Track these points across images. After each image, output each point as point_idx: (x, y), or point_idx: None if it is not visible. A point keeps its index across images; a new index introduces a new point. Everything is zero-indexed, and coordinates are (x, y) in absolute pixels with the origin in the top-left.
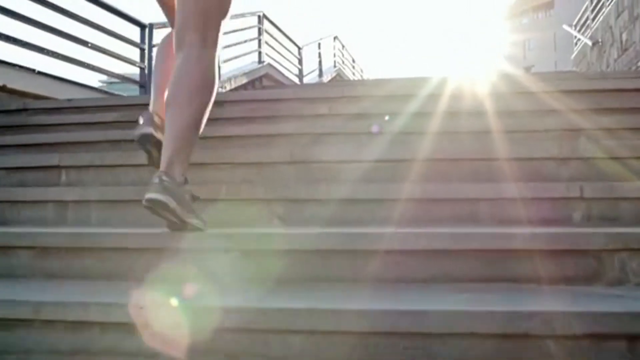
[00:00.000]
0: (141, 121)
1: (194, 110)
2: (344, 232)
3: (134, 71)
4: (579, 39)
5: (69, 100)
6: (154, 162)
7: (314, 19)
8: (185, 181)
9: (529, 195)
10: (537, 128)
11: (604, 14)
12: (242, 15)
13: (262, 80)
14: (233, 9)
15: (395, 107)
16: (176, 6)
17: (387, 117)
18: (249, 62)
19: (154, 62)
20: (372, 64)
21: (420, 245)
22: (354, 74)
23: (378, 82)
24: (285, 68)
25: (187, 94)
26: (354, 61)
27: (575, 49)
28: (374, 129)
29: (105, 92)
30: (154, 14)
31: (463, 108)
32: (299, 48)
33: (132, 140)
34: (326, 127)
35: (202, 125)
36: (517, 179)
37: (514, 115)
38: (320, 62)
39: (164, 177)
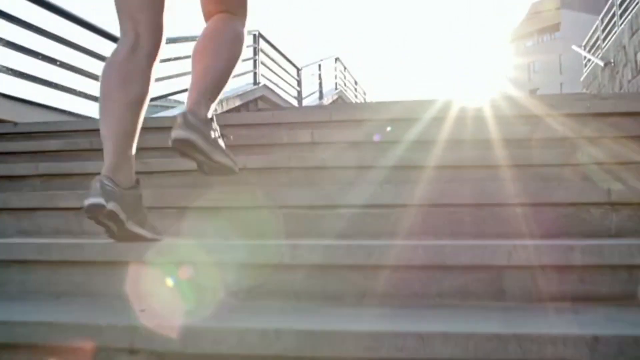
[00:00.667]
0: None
1: (224, 59)
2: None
3: None
4: (588, 60)
5: (15, 124)
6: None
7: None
8: (213, 119)
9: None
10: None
11: (616, 34)
12: None
13: (258, 103)
14: None
15: (393, 137)
16: None
17: (378, 136)
18: (243, 83)
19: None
20: (375, 87)
21: None
22: (356, 96)
23: (378, 105)
24: (283, 90)
25: (218, 45)
26: (356, 83)
27: (584, 70)
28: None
29: (84, 116)
30: None
31: (469, 138)
32: (298, 69)
33: (69, 175)
34: (306, 159)
35: (228, 80)
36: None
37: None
38: (320, 84)
39: (190, 117)
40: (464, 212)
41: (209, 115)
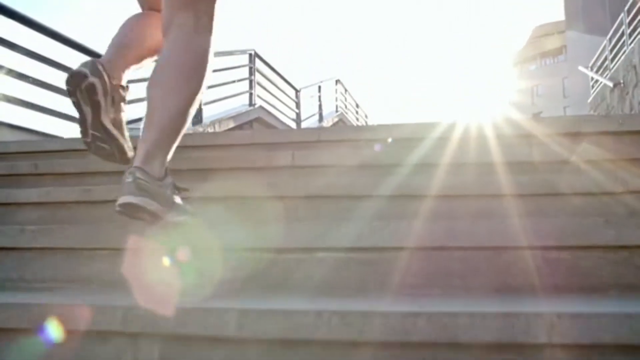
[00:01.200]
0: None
1: (183, 98)
2: None
3: None
4: (596, 82)
5: None
6: (85, 129)
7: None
8: (166, 173)
9: None
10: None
11: (626, 53)
12: (231, 53)
13: (253, 125)
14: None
15: (390, 160)
16: None
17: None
18: (238, 104)
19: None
20: (377, 110)
21: None
22: (357, 119)
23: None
24: (281, 112)
25: (175, 79)
26: (357, 106)
27: (592, 92)
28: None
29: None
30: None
31: (477, 161)
32: (297, 91)
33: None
34: (280, 188)
35: (189, 118)
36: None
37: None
38: (320, 106)
39: (139, 175)
40: (479, 257)
41: (163, 170)
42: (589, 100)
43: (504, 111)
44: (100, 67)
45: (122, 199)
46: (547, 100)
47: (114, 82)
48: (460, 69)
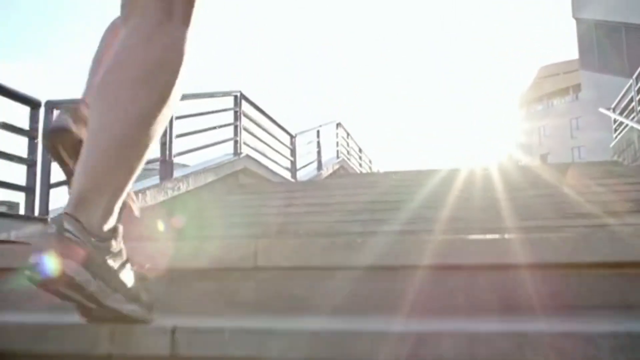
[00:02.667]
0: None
1: (139, 110)
2: None
3: None
4: (620, 124)
5: None
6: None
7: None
8: (115, 231)
9: None
10: None
11: None
12: (212, 94)
13: (239, 177)
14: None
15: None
16: None
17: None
18: (220, 154)
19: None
20: (382, 154)
21: None
22: (360, 165)
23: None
24: (273, 160)
25: (129, 83)
26: (360, 151)
27: (615, 135)
28: None
29: None
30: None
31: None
32: (292, 136)
33: None
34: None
35: (151, 143)
36: None
37: None
38: (319, 152)
39: (69, 226)
40: None
41: (109, 224)
42: (611, 145)
43: (510, 153)
44: (81, 112)
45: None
46: (554, 142)
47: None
48: (465, 111)
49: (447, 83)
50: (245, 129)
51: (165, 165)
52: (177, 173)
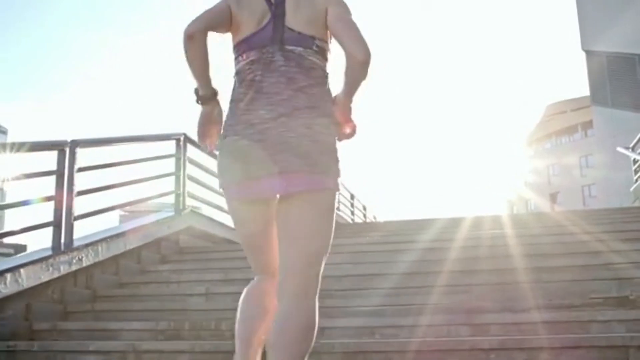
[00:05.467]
0: None
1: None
2: None
3: None
4: None
5: None
6: None
7: None
8: None
9: None
10: None
11: None
12: (141, 138)
13: (180, 240)
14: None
15: None
16: (280, 253)
17: None
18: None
19: (237, 313)
20: (383, 200)
21: None
22: (353, 213)
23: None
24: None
25: (289, 344)
26: (352, 198)
27: (635, 177)
28: None
29: None
30: None
31: None
32: None
33: None
34: None
35: None
36: None
37: None
38: None
39: None
40: None
41: None
42: (631, 189)
43: (519, 192)
44: None
45: None
46: (564, 180)
47: None
48: (471, 151)
49: (452, 123)
50: (190, 178)
51: (59, 231)
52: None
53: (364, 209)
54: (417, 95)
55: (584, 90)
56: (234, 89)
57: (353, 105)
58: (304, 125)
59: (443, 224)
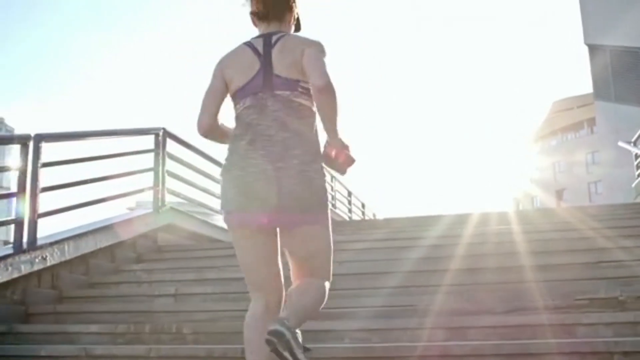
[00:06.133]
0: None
1: (311, 300)
2: None
3: None
4: None
5: None
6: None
7: None
8: (299, 334)
9: None
10: None
11: None
12: (115, 132)
13: (158, 238)
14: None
15: None
16: (293, 268)
17: None
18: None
19: (245, 342)
20: (385, 199)
21: None
22: (350, 210)
23: None
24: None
25: (305, 292)
26: (349, 195)
27: (637, 173)
28: None
29: None
30: None
31: None
32: None
33: None
34: None
35: (314, 315)
36: None
37: None
38: None
39: (285, 320)
40: None
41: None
42: (633, 184)
43: (525, 189)
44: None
45: (271, 327)
46: (570, 177)
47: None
48: (476, 148)
49: (457, 120)
50: (170, 174)
51: (20, 229)
52: None
53: (363, 206)
54: (423, 92)
55: (590, 87)
56: (235, 129)
57: (342, 137)
58: (298, 171)
59: (429, 221)
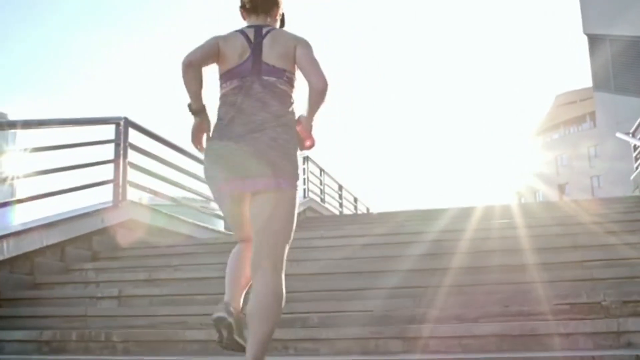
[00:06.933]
0: (220, 307)
1: (269, 328)
2: None
3: None
4: None
5: None
6: (222, 342)
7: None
8: None
9: None
10: None
11: None
12: (72, 122)
13: (118, 235)
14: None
15: None
16: (253, 239)
17: None
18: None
19: (229, 262)
20: (387, 193)
21: None
22: (341, 205)
23: None
24: (201, 209)
25: (265, 313)
26: (341, 189)
27: (636, 165)
28: None
29: None
30: None
31: None
32: None
33: None
34: None
35: (273, 332)
36: None
37: None
38: None
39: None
40: None
41: None
42: (632, 177)
43: (528, 183)
44: (231, 308)
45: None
46: (572, 171)
47: (237, 310)
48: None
49: (460, 114)
50: (131, 165)
51: None
52: None
53: (355, 201)
54: (425, 87)
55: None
56: (219, 108)
57: (314, 123)
58: (271, 139)
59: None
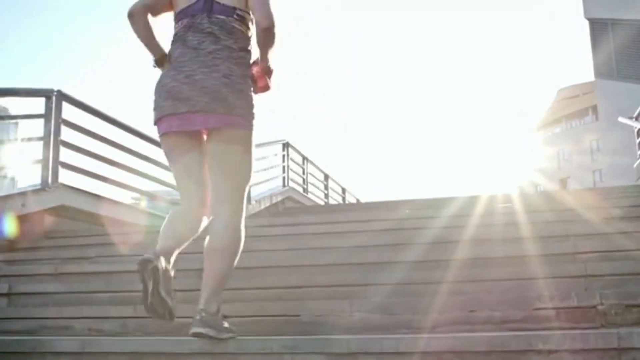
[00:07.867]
0: (149, 251)
1: (228, 263)
2: None
3: None
4: None
5: None
6: (147, 298)
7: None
8: (218, 309)
9: None
10: None
11: None
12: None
13: (45, 222)
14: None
15: None
16: (211, 184)
17: None
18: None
19: (167, 217)
20: (386, 185)
21: None
22: (327, 195)
23: None
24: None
25: (221, 252)
26: (326, 178)
27: (639, 153)
28: None
29: None
30: None
31: None
32: None
33: None
34: None
35: (231, 272)
36: None
37: None
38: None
39: (203, 313)
40: None
41: (217, 306)
42: (635, 165)
43: (529, 177)
44: (160, 256)
45: (194, 330)
46: (574, 164)
47: (168, 265)
48: (482, 134)
49: (462, 108)
50: (70, 146)
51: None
52: None
53: (343, 191)
54: (428, 82)
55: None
56: (170, 47)
57: (271, 66)
58: (223, 75)
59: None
